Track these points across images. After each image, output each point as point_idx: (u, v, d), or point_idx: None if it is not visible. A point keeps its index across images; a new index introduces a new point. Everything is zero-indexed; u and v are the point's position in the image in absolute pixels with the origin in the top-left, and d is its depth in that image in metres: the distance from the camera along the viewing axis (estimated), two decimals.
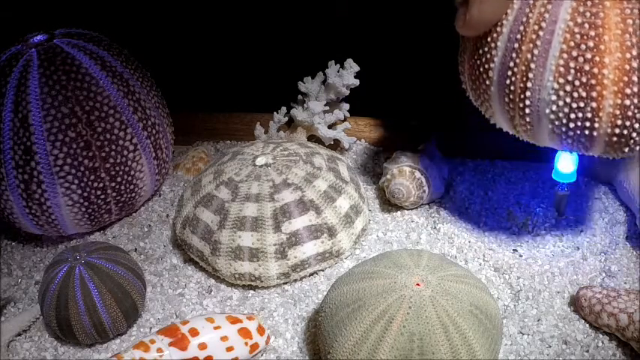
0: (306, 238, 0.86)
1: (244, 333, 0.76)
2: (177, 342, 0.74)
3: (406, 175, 0.95)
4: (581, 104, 0.67)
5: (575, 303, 0.81)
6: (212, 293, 0.88)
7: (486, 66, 0.72)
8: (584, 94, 0.66)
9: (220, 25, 1.17)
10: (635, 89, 0.65)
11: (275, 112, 1.11)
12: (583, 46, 0.66)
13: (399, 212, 0.98)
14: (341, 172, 0.94)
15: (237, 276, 0.87)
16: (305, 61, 1.10)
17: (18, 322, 0.85)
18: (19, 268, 0.95)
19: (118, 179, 0.93)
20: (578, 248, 0.90)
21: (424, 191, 0.96)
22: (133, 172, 0.95)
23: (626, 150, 0.70)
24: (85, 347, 0.83)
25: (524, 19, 0.69)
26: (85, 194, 0.91)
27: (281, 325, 0.83)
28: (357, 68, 1.03)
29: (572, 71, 0.66)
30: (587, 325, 0.80)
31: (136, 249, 0.96)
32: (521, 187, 1.01)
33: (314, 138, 1.09)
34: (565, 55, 0.66)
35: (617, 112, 0.66)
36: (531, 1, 0.68)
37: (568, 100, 0.67)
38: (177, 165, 1.11)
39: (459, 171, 1.05)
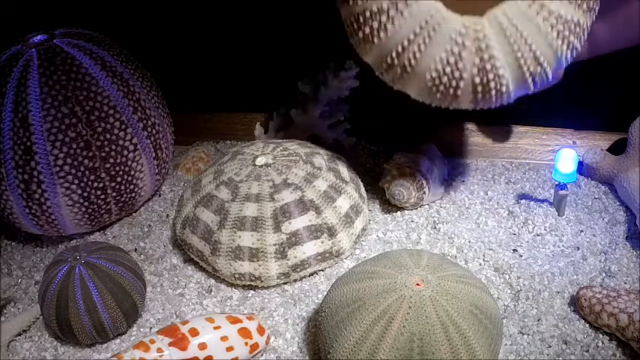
0: (306, 238, 0.86)
1: (244, 333, 0.76)
2: (177, 342, 0.74)
3: (406, 177, 0.95)
4: None
5: (575, 303, 0.81)
6: (212, 293, 0.88)
7: None
8: None
9: (220, 25, 1.17)
10: None
11: (275, 112, 1.11)
12: None
13: (399, 212, 0.98)
14: (341, 172, 0.93)
15: (237, 276, 0.87)
16: (305, 61, 1.10)
17: (18, 322, 0.85)
18: (19, 268, 0.95)
19: (118, 179, 0.93)
20: (578, 248, 0.90)
21: (424, 192, 0.96)
22: (133, 172, 0.95)
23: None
24: (85, 347, 0.82)
25: None
26: (85, 194, 0.91)
27: (281, 325, 0.83)
28: (356, 69, 1.03)
29: None
30: (587, 325, 0.80)
31: (136, 249, 0.96)
32: (521, 187, 1.02)
33: (314, 138, 1.09)
34: None
35: None
36: None
37: None
38: (177, 165, 1.11)
39: (459, 171, 1.05)
